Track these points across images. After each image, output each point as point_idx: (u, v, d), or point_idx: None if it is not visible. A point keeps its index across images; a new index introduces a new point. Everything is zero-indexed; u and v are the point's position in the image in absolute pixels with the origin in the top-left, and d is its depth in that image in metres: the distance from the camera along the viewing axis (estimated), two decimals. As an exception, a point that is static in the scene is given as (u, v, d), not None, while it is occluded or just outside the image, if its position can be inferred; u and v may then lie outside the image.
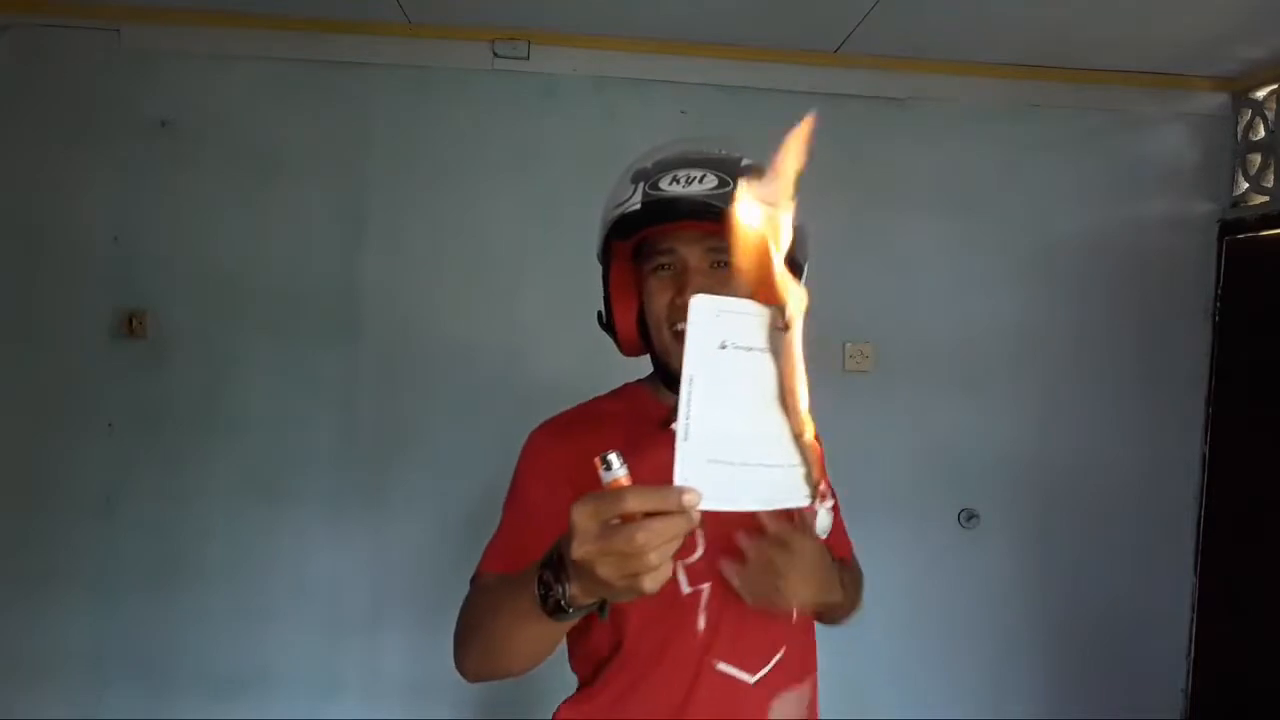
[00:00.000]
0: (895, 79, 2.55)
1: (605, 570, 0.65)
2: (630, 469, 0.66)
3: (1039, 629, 2.64)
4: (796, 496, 0.68)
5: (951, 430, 2.59)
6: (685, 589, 1.05)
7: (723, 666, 1.05)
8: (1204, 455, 2.67)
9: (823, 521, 1.11)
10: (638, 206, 1.04)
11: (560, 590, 0.71)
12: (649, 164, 1.08)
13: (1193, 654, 2.68)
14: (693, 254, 1.06)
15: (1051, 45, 2.44)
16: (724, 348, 0.66)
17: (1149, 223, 2.65)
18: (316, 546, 2.45)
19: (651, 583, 0.65)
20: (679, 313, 1.04)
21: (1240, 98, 2.63)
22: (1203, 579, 2.66)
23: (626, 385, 1.19)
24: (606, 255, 1.13)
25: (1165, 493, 2.67)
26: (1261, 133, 2.57)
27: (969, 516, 2.60)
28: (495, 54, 2.45)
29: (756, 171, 1.05)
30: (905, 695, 2.60)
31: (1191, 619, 2.68)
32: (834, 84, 2.53)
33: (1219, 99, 2.64)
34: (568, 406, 1.16)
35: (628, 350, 1.15)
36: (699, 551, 1.05)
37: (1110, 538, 2.64)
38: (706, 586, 1.05)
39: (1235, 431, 2.60)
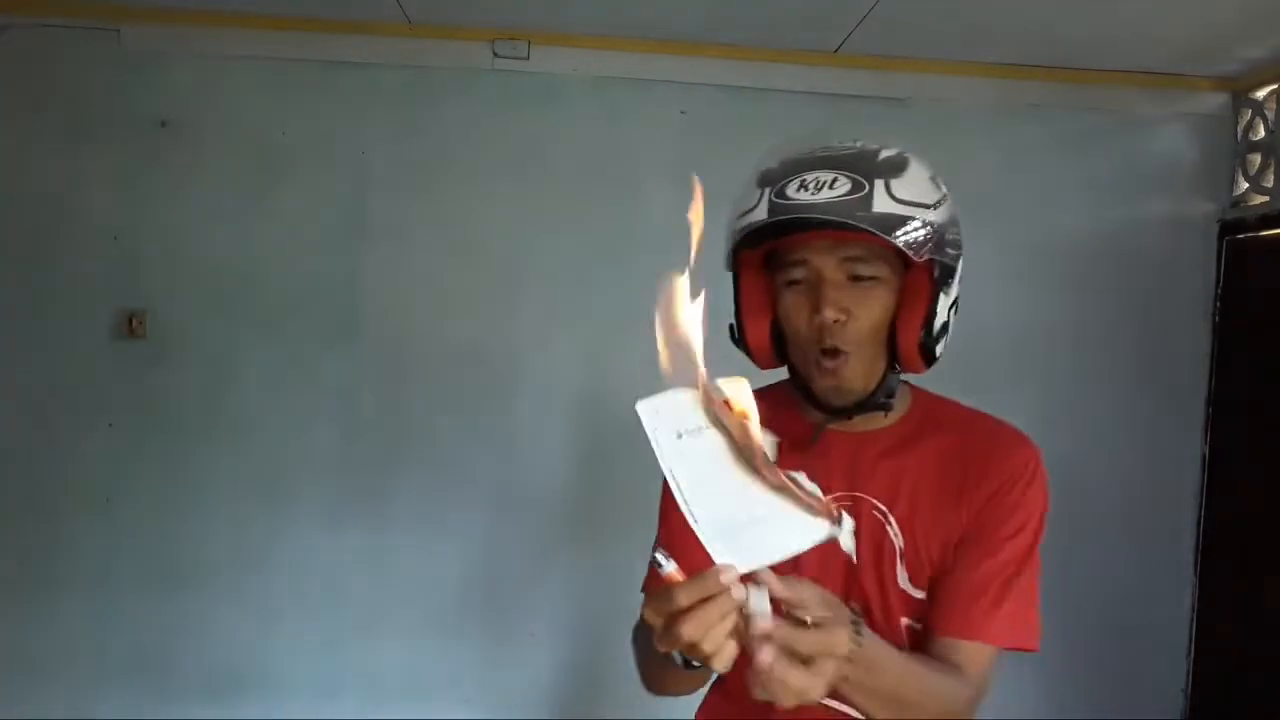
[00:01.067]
0: (895, 79, 2.55)
1: (689, 653, 0.70)
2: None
3: (1039, 629, 2.64)
4: (819, 533, 0.71)
5: (951, 430, 2.58)
6: None
7: (829, 701, 1.01)
8: (1204, 455, 2.66)
9: (846, 543, 1.05)
10: (764, 217, 0.98)
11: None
12: (775, 164, 1.02)
13: (1193, 654, 2.68)
14: (827, 265, 0.98)
15: (1051, 45, 2.43)
16: (680, 436, 0.71)
17: (1149, 223, 2.64)
18: (317, 546, 2.45)
19: (719, 663, 0.68)
20: (819, 333, 0.99)
21: (1240, 98, 2.63)
22: (1203, 579, 2.66)
23: (771, 387, 1.10)
24: (735, 264, 1.06)
25: (1165, 493, 2.66)
26: (1261, 133, 2.57)
27: (969, 516, 2.59)
28: (495, 54, 2.45)
29: (895, 166, 0.99)
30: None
31: (1191, 619, 2.68)
32: (834, 84, 2.53)
33: (1219, 99, 2.64)
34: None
35: (762, 364, 1.08)
36: None
37: (1110, 538, 2.64)
38: None
39: (1235, 431, 2.60)
